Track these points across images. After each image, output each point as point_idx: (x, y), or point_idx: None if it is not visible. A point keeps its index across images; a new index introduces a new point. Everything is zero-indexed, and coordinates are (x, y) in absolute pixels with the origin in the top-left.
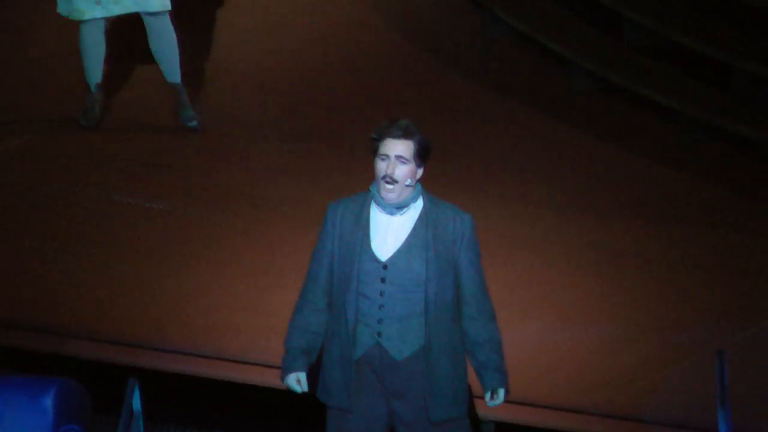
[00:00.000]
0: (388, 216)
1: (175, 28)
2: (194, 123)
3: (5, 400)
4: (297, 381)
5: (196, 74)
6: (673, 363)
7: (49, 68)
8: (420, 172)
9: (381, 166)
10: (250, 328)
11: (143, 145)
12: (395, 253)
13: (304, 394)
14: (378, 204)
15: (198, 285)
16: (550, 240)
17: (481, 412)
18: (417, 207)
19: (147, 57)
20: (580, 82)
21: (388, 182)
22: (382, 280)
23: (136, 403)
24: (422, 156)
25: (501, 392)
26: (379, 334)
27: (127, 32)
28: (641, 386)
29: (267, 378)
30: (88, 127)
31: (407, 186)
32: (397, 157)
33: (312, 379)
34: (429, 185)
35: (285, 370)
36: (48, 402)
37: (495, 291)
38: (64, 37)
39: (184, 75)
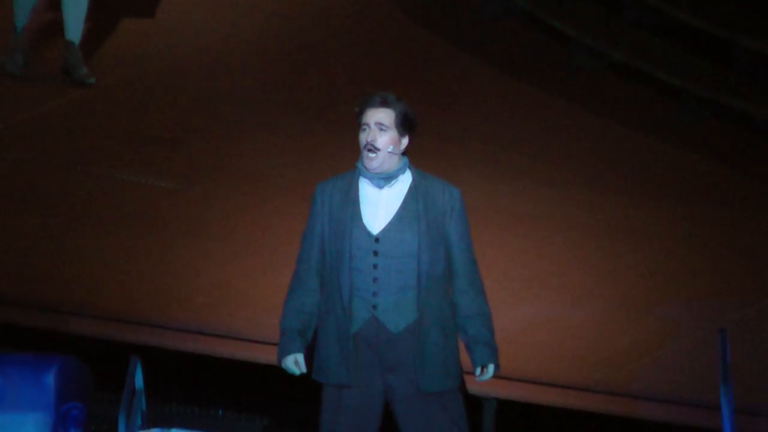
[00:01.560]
0: (377, 189)
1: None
2: (92, 79)
3: (7, 378)
4: (295, 362)
5: (198, 53)
6: (674, 340)
7: (51, 45)
8: (405, 141)
9: (362, 136)
10: (252, 306)
11: (147, 123)
12: (387, 226)
13: (302, 375)
14: (366, 177)
15: (200, 263)
16: (552, 217)
17: (483, 389)
18: (406, 180)
19: (152, 35)
20: (582, 59)
21: (369, 150)
22: (375, 254)
23: (138, 380)
24: (404, 124)
25: (491, 367)
26: (375, 307)
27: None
28: (643, 363)
29: (269, 355)
30: (14, 74)
31: (390, 153)
32: (377, 124)
33: (308, 360)
34: (431, 163)
35: (282, 352)
36: (50, 379)
37: (497, 268)
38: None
39: (186, 53)
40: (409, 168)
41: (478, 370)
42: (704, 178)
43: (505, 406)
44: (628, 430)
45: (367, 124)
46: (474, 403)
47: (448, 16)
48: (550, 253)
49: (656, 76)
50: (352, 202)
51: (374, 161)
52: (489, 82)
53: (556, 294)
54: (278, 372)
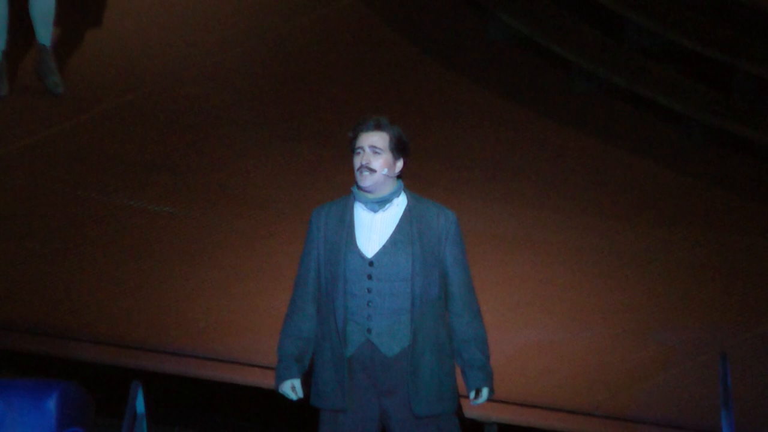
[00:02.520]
0: (371, 213)
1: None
2: (59, 89)
3: (8, 403)
4: (292, 388)
5: (195, 78)
6: (675, 364)
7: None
8: (399, 165)
9: (356, 159)
10: (252, 330)
11: (144, 147)
12: (380, 249)
13: (299, 400)
14: (360, 201)
15: (200, 287)
16: (552, 241)
17: (483, 413)
18: (400, 203)
19: (149, 61)
20: (582, 83)
21: (363, 172)
22: (369, 277)
23: (140, 405)
24: (398, 148)
25: (485, 391)
26: (369, 331)
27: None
28: (643, 387)
29: (270, 380)
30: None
31: (385, 176)
32: (371, 147)
33: (306, 385)
34: (427, 186)
35: (279, 378)
36: (51, 405)
37: (495, 292)
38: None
39: (183, 76)
40: (404, 191)
41: (473, 394)
42: (704, 203)
43: (505, 430)
44: None
45: (362, 148)
46: (474, 428)
47: (448, 41)
48: (549, 278)
49: (657, 102)
50: (346, 226)
51: (368, 179)
52: (489, 107)
53: (555, 318)
54: (277, 396)
